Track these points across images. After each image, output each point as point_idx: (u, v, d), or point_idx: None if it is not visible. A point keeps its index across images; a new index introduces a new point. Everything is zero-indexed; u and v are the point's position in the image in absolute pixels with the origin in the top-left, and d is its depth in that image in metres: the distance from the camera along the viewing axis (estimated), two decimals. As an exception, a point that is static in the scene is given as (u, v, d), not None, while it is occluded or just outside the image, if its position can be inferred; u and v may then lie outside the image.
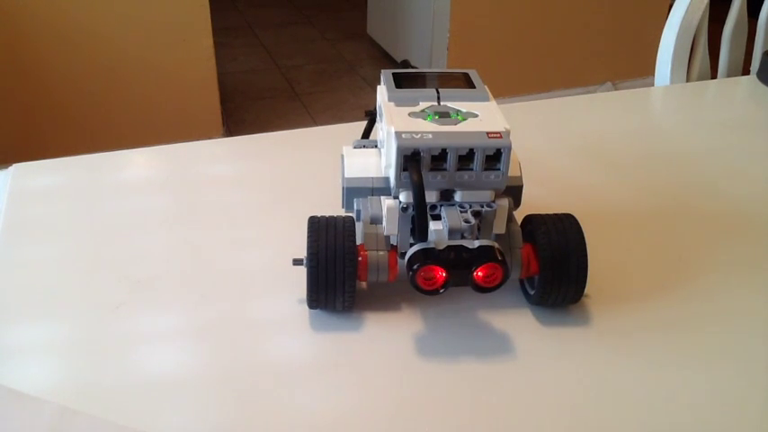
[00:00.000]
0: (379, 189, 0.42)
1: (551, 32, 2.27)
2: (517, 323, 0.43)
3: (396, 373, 0.39)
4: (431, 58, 2.29)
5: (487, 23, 2.20)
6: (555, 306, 0.44)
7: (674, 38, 0.82)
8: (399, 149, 0.38)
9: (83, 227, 0.51)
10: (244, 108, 2.30)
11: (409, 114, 0.41)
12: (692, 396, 0.38)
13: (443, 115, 0.40)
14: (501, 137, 0.39)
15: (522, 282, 0.45)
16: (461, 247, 0.38)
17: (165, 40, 1.87)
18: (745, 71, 0.87)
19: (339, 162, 0.45)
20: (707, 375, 0.39)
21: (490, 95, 0.43)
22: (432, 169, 0.39)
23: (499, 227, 0.41)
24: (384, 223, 0.41)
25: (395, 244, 0.42)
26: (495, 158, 0.39)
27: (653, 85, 0.85)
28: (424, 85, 0.44)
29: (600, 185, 0.58)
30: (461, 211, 0.39)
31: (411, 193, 0.38)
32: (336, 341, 0.41)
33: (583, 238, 0.41)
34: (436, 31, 2.23)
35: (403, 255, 0.40)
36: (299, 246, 0.43)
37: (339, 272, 0.40)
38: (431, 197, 0.39)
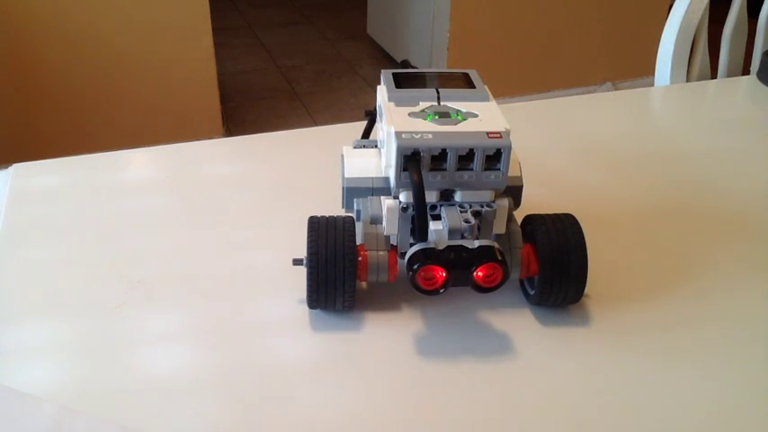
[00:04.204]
0: (379, 189, 0.42)
1: (551, 32, 2.27)
2: (517, 323, 0.43)
3: (396, 373, 0.39)
4: (431, 58, 2.29)
5: (487, 23, 2.20)
6: (555, 306, 0.44)
7: (674, 38, 0.82)
8: (399, 149, 0.38)
9: (83, 227, 0.51)
10: (244, 108, 2.30)
11: (409, 114, 0.41)
12: (693, 396, 0.38)
13: (443, 115, 0.40)
14: (501, 137, 0.39)
15: (522, 282, 0.45)
16: (461, 247, 0.38)
17: (165, 40, 1.87)
18: (745, 71, 0.87)
19: (339, 162, 0.45)
20: (707, 375, 0.39)
21: (490, 95, 0.43)
22: (432, 169, 0.39)
23: (499, 227, 0.41)
24: (384, 223, 0.41)
25: (395, 244, 0.42)
26: (495, 158, 0.39)
27: (653, 85, 0.85)
28: (424, 85, 0.44)
29: (600, 185, 0.58)
30: (461, 211, 0.39)
31: (411, 193, 0.38)
32: (336, 341, 0.41)
33: (583, 238, 0.41)
34: (436, 31, 2.23)
35: (403, 255, 0.40)
36: (299, 246, 0.43)
37: (339, 272, 0.40)
38: (431, 197, 0.39)
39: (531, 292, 0.43)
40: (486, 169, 0.39)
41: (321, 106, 2.32)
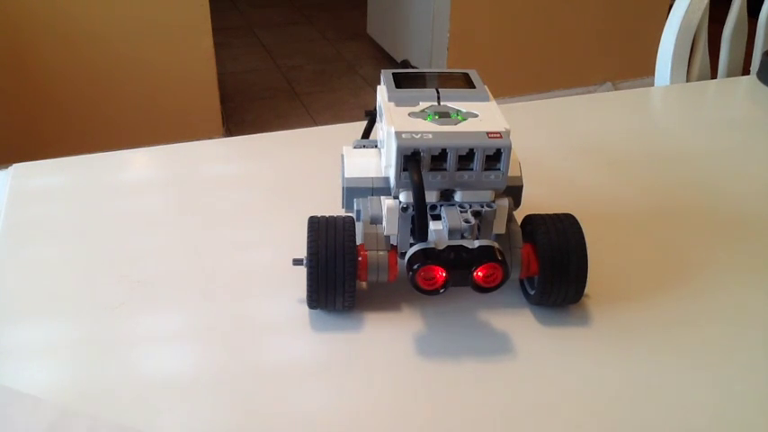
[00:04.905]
0: (379, 189, 0.42)
1: (551, 32, 2.27)
2: (517, 323, 0.43)
3: (396, 373, 0.39)
4: (431, 58, 2.29)
5: (487, 23, 2.20)
6: (555, 306, 0.44)
7: (674, 38, 0.82)
8: (399, 149, 0.38)
9: (83, 227, 0.51)
10: (244, 108, 2.30)
11: (409, 114, 0.41)
12: (693, 396, 0.38)
13: (443, 115, 0.40)
14: (501, 137, 0.39)
15: (522, 282, 0.45)
16: (461, 247, 0.38)
17: (165, 40, 1.87)
18: (745, 71, 0.87)
19: (339, 162, 0.45)
20: (707, 375, 0.39)
21: (490, 95, 0.43)
22: (432, 169, 0.39)
23: (499, 227, 0.41)
24: (384, 223, 0.41)
25: (395, 244, 0.42)
26: (495, 158, 0.39)
27: (653, 85, 0.85)
28: (424, 85, 0.44)
29: (600, 185, 0.58)
30: (461, 211, 0.39)
31: (411, 193, 0.38)
32: (336, 341, 0.41)
33: (583, 238, 0.41)
34: (436, 31, 2.23)
35: (403, 255, 0.40)
36: (299, 246, 0.43)
37: (339, 272, 0.40)
38: (431, 197, 0.39)
39: (531, 292, 0.43)
40: (486, 169, 0.39)
41: (321, 106, 2.32)
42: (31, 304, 0.44)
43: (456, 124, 0.40)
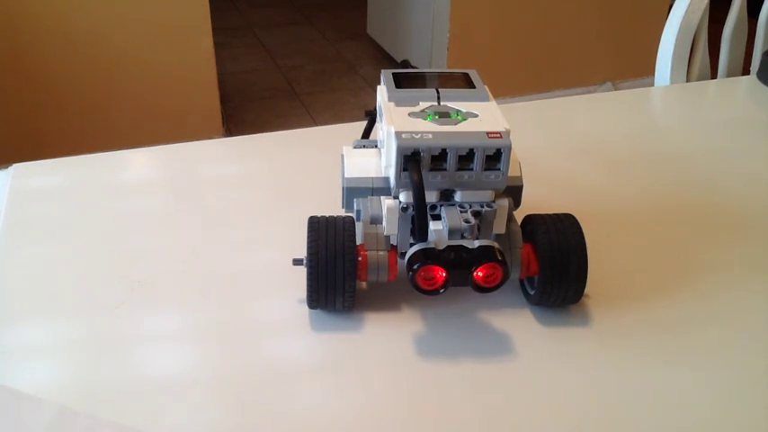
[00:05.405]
0: (379, 189, 0.42)
1: (551, 33, 2.27)
2: (517, 323, 0.43)
3: (396, 373, 0.39)
4: (431, 58, 2.29)
5: (487, 23, 2.20)
6: (555, 306, 0.44)
7: (674, 38, 0.82)
8: (399, 149, 0.38)
9: (83, 227, 0.51)
10: (244, 108, 2.30)
11: (409, 114, 0.41)
12: (692, 396, 0.38)
13: (443, 115, 0.40)
14: (501, 137, 0.39)
15: (522, 282, 0.45)
16: (461, 247, 0.38)
17: (165, 40, 1.87)
18: (745, 71, 0.87)
19: (339, 162, 0.45)
20: (707, 375, 0.39)
21: (490, 95, 0.43)
22: (432, 169, 0.39)
23: (499, 227, 0.41)
24: (384, 223, 0.41)
25: (395, 244, 0.42)
26: (495, 158, 0.39)
27: (653, 85, 0.85)
28: (424, 85, 0.44)
29: (600, 185, 0.58)
30: (461, 211, 0.39)
31: (411, 193, 0.38)
32: (336, 341, 0.41)
33: (583, 238, 0.41)
34: (436, 31, 2.23)
35: (403, 255, 0.40)
36: (299, 246, 0.43)
37: (339, 272, 0.40)
38: (431, 197, 0.39)
39: (531, 292, 0.43)
40: (486, 169, 0.39)
41: (321, 106, 2.32)
42: (31, 304, 0.44)
43: (456, 124, 0.40)
